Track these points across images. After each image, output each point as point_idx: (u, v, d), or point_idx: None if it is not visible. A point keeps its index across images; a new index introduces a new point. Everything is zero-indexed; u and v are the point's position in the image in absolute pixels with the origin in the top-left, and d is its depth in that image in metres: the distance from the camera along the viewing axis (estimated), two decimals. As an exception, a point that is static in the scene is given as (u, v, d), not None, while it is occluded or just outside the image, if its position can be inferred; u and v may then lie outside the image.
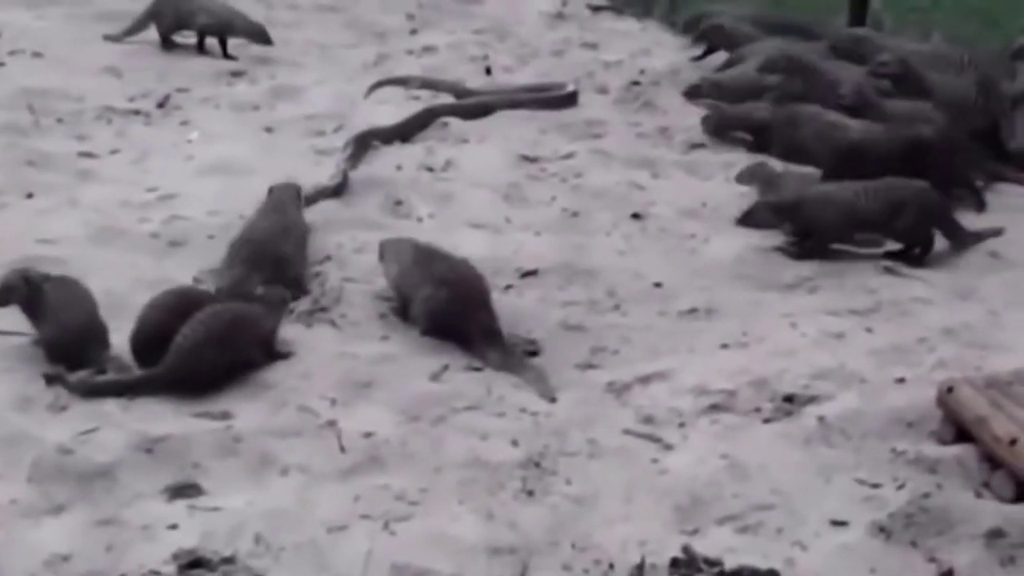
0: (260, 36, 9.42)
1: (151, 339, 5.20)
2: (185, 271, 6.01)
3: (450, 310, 5.53)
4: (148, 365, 5.14)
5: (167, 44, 9.39)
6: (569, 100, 8.46)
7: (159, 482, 4.57)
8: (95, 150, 7.59)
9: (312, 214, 6.61)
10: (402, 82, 8.78)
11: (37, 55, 9.13)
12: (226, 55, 9.30)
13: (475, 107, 8.18)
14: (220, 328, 5.16)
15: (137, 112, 8.23)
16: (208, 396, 5.06)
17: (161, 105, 8.35)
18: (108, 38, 9.48)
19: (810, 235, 6.46)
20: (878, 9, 9.64)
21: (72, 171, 7.24)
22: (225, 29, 9.35)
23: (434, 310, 5.56)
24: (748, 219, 6.67)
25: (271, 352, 5.31)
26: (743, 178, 7.08)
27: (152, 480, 4.58)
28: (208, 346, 5.10)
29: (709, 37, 9.32)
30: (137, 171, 7.31)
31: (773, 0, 10.17)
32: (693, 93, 8.41)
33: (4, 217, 6.62)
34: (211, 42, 9.35)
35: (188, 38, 9.42)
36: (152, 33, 9.46)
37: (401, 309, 5.73)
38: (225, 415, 4.96)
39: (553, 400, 5.17)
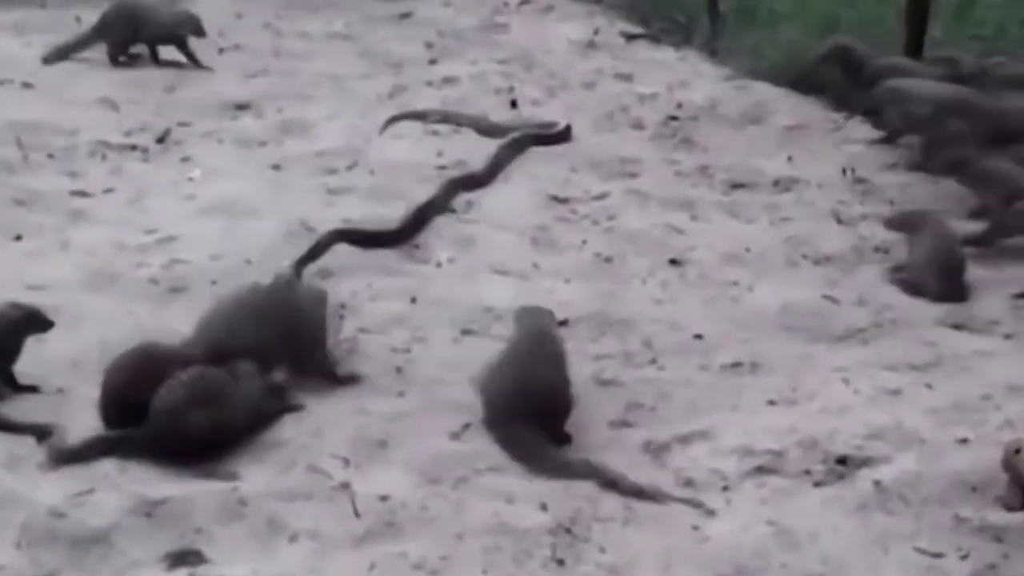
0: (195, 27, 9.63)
1: (116, 405, 5.19)
2: (186, 319, 6.02)
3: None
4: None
5: (116, 62, 9.56)
6: (563, 136, 8.53)
7: (158, 549, 4.60)
8: (89, 188, 7.67)
9: (325, 259, 6.67)
10: (420, 116, 8.85)
11: (27, 86, 9.26)
12: (193, 60, 9.53)
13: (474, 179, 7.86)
14: (203, 391, 5.13)
15: (134, 147, 8.31)
16: (211, 456, 5.09)
17: (160, 140, 8.44)
18: (47, 61, 9.62)
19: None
20: (936, 37, 9.69)
21: (64, 211, 7.32)
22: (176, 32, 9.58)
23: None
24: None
25: (262, 417, 5.29)
26: (894, 224, 7.02)
27: (151, 546, 4.60)
28: (189, 409, 5.08)
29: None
30: (134, 211, 7.38)
31: (822, 27, 10.22)
32: (894, 133, 8.31)
33: (-9, 260, 6.70)
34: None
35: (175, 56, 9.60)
36: (143, 60, 9.62)
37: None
38: (230, 476, 5.00)
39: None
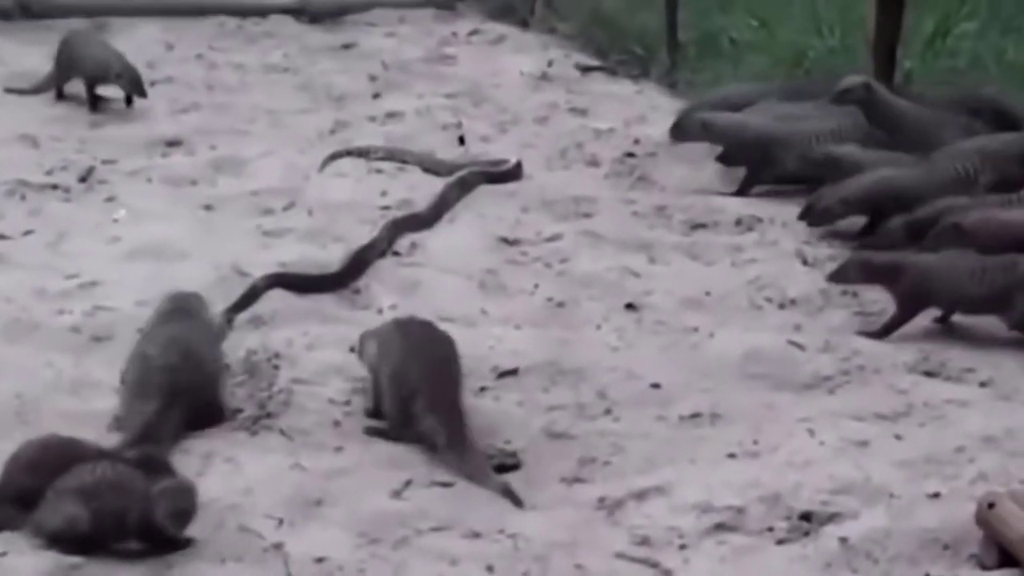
0: (136, 85, 9.57)
1: (13, 501, 5.06)
2: (110, 370, 6.03)
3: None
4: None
5: (61, 96, 9.58)
6: (514, 174, 8.57)
7: (76, 616, 4.59)
8: (6, 231, 7.66)
9: (259, 305, 6.67)
10: (363, 153, 8.87)
11: (-61, 122, 9.24)
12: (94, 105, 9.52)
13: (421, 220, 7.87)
14: (91, 485, 4.94)
15: (55, 187, 8.30)
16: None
17: (83, 179, 8.43)
18: (10, 91, 9.65)
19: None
20: (908, 70, 9.78)
21: (-21, 255, 7.31)
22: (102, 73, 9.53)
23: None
24: (839, 276, 6.87)
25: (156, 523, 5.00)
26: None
27: (68, 613, 4.59)
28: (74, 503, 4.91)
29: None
30: (54, 255, 7.37)
31: (788, 59, 10.32)
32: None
33: (-100, 308, 6.66)
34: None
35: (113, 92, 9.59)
36: (75, 93, 9.60)
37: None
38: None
39: (519, 505, 5.26)
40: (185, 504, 4.92)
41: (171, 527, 4.89)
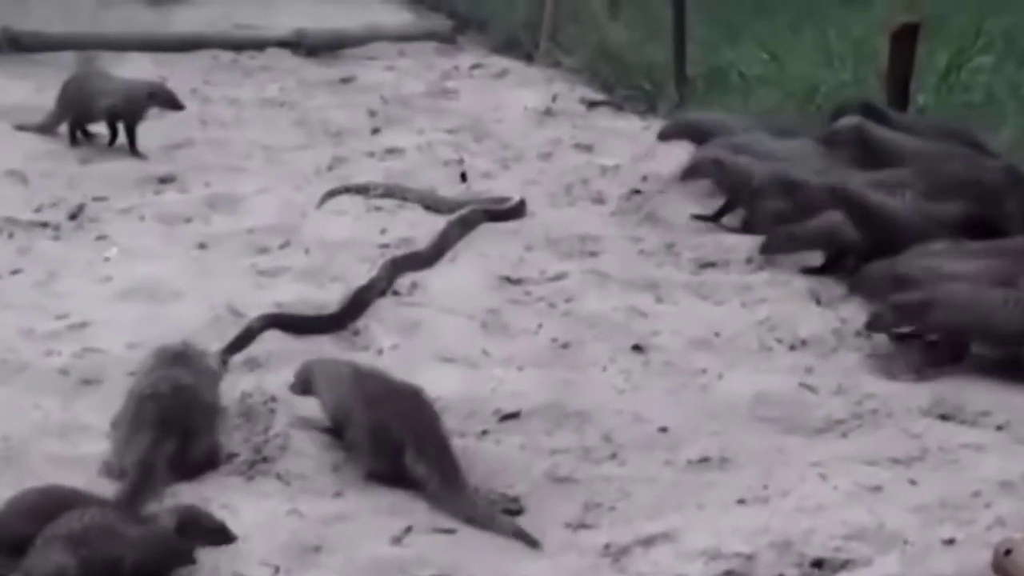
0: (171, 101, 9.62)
1: (6, 548, 5.05)
2: (100, 414, 6.05)
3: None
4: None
5: (75, 139, 9.61)
6: (516, 212, 8.63)
7: (66, 666, 4.60)
8: (-7, 269, 7.70)
9: (256, 347, 6.69)
10: (362, 190, 8.92)
11: (-75, 156, 9.30)
12: (134, 150, 9.47)
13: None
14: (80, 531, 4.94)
15: (44, 224, 8.36)
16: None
17: (73, 216, 8.49)
18: (21, 128, 9.70)
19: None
20: (922, 104, 9.83)
21: (-34, 295, 7.34)
22: (136, 109, 9.54)
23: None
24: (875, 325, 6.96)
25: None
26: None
27: (58, 663, 4.60)
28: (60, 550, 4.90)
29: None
30: (43, 294, 7.41)
31: (799, 93, 10.37)
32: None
33: None
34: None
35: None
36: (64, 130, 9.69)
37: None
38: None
39: (535, 545, 5.26)
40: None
41: None
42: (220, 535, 5.08)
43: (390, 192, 8.90)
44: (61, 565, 4.85)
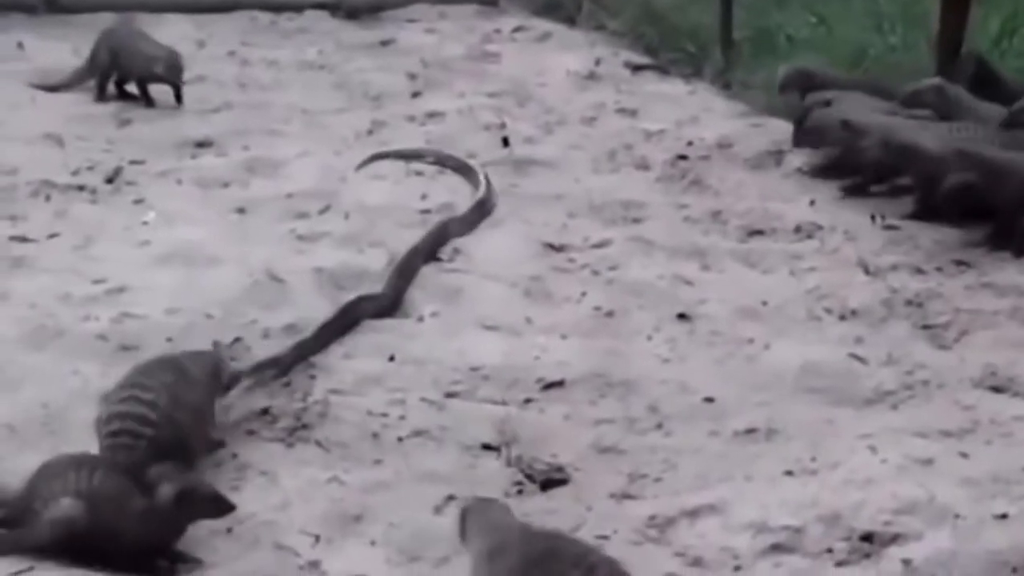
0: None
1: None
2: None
3: None
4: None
5: (103, 94, 9.64)
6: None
7: (105, 635, 4.63)
8: (30, 233, 7.73)
9: (291, 311, 6.70)
10: (404, 156, 8.90)
11: (-40, 118, 9.33)
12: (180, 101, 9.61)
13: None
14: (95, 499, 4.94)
15: (81, 188, 8.37)
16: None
17: (110, 180, 8.50)
18: (36, 86, 9.73)
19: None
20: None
21: (1, 258, 7.38)
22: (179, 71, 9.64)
23: None
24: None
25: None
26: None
27: (97, 632, 4.63)
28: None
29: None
30: (81, 259, 7.43)
31: (847, 57, 10.31)
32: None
33: (-80, 313, 6.72)
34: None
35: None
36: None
37: None
38: (181, 557, 4.98)
39: None
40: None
41: None
42: (219, 505, 5.01)
43: (439, 159, 8.80)
44: (71, 515, 4.84)
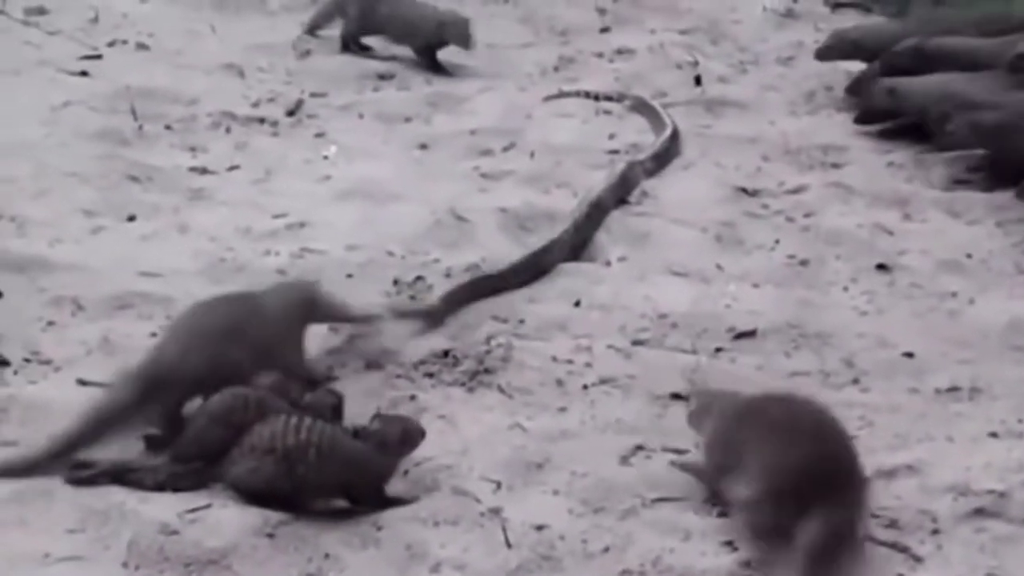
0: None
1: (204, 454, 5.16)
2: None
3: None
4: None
5: (348, 48, 9.62)
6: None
7: (282, 575, 4.68)
8: (210, 165, 7.84)
9: (476, 251, 6.75)
10: (592, 96, 8.88)
11: (142, 47, 9.47)
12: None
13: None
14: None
15: (262, 120, 8.47)
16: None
17: (291, 112, 8.59)
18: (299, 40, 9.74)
19: None
20: None
21: (182, 190, 7.49)
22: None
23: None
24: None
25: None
26: None
27: (273, 572, 4.68)
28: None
29: None
30: (261, 192, 7.53)
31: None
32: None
33: (100, 243, 6.85)
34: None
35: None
36: (282, 23, 9.77)
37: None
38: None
39: None
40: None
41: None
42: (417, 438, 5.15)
43: (636, 103, 8.77)
44: (273, 476, 4.96)
